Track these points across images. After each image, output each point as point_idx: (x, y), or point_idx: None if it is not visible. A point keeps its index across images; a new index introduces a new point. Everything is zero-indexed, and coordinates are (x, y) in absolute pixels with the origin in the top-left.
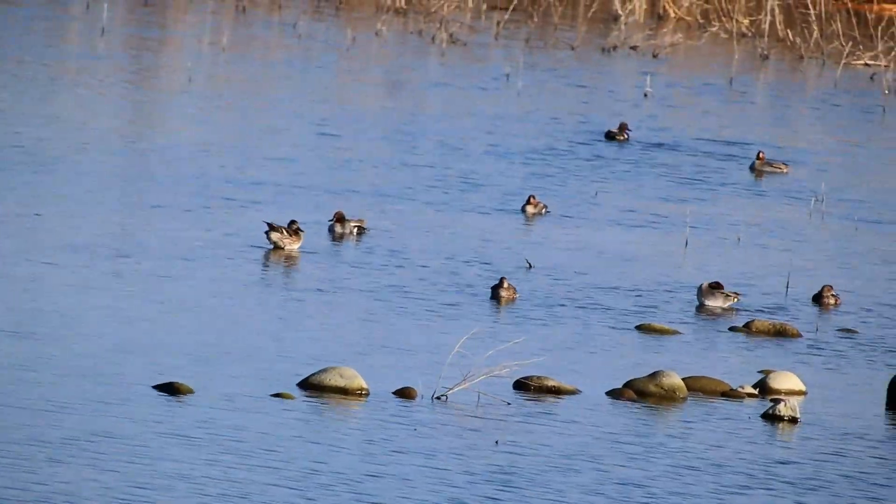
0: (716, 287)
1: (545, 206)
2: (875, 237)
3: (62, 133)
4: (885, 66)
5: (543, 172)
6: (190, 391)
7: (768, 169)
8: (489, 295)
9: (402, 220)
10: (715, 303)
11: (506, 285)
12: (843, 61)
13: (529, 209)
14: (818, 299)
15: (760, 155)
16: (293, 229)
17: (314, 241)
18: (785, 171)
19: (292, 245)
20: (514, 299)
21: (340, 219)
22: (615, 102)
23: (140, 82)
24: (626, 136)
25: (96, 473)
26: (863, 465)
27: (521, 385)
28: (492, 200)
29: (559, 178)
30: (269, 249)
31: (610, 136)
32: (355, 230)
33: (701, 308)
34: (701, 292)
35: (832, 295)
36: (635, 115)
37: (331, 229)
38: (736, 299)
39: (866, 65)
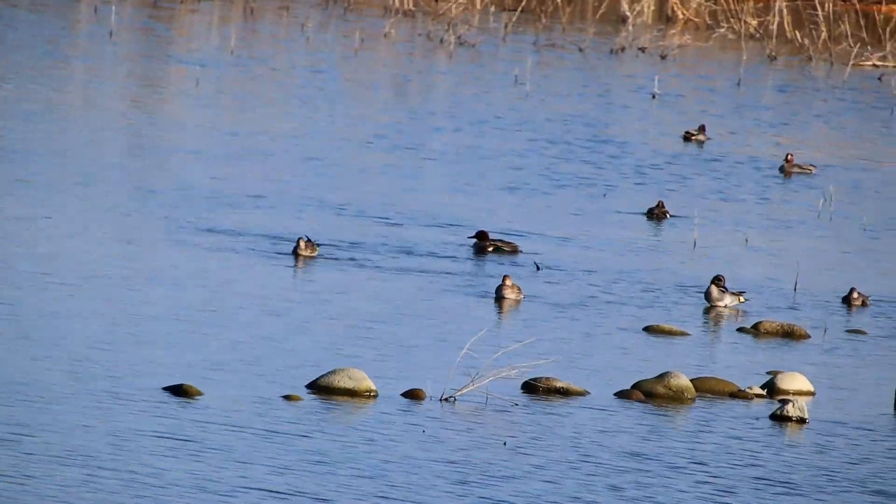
0: (718, 282)
1: (667, 211)
2: (882, 238)
3: (71, 138)
4: (894, 67)
5: (552, 173)
6: (199, 393)
7: (797, 170)
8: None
9: (411, 222)
10: (722, 301)
11: (508, 283)
12: (852, 62)
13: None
14: (847, 300)
15: (789, 157)
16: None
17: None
18: (813, 171)
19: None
20: (518, 299)
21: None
22: (623, 105)
23: (149, 86)
24: (705, 137)
25: (102, 473)
26: (871, 465)
27: (529, 386)
28: (502, 200)
29: (567, 179)
30: (287, 256)
31: (687, 137)
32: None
33: (710, 308)
34: (708, 294)
35: (860, 295)
36: (644, 117)
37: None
38: (740, 300)
39: (874, 66)
